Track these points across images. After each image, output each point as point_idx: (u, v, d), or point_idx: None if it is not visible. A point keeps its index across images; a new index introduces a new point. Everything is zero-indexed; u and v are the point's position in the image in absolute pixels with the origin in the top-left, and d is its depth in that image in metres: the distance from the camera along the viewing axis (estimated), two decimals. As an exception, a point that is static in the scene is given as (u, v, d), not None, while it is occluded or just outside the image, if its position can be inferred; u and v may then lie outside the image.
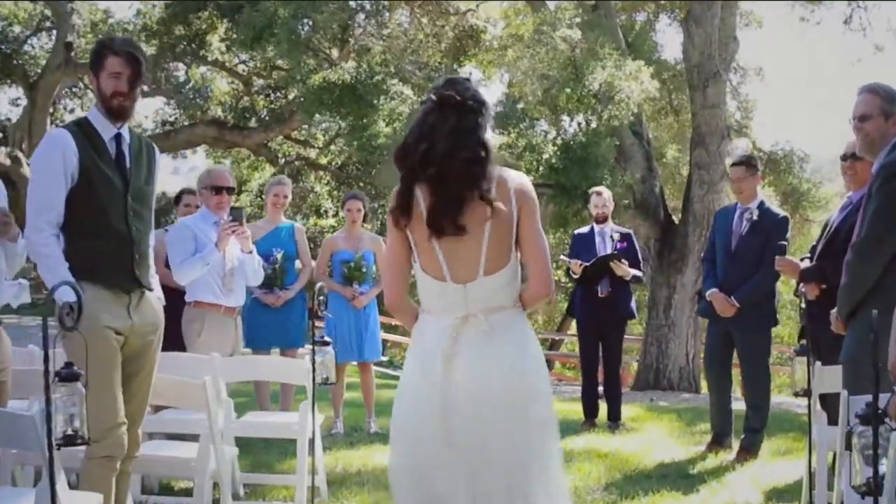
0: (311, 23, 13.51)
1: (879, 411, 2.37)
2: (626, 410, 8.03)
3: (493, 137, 2.85)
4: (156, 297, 3.76)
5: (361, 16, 15.27)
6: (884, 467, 2.43)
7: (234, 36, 15.15)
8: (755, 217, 6.01)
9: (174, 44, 17.98)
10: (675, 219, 13.23)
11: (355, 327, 6.84)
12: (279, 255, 6.61)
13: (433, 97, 2.76)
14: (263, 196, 8.93)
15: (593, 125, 12.48)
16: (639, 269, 7.36)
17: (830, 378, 4.19)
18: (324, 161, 21.44)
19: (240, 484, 4.95)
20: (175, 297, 5.56)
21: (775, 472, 5.59)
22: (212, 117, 19.86)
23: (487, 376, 2.72)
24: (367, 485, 5.20)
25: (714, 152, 12.46)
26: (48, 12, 20.52)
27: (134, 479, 4.68)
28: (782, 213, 6.42)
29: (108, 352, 3.47)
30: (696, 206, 12.51)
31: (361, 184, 17.94)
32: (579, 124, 13.55)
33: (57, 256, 3.47)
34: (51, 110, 21.49)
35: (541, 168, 12.55)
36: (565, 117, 13.49)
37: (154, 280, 3.78)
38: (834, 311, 4.03)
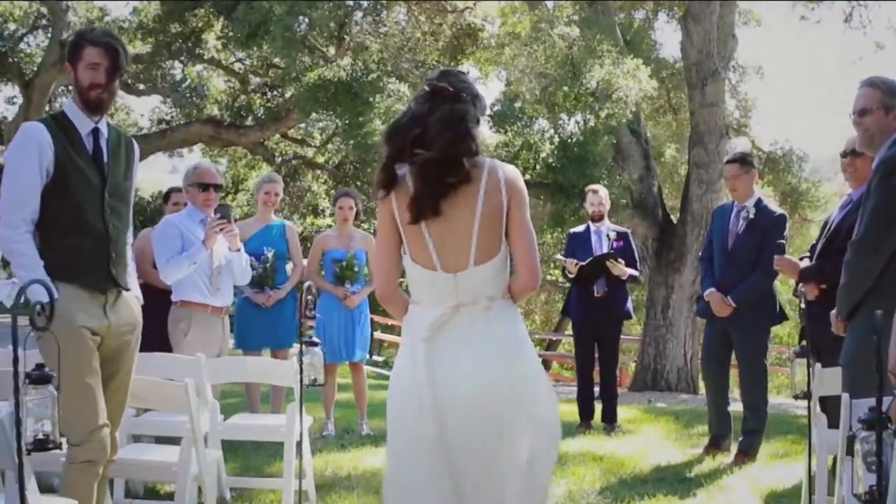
0: (307, 20, 13.42)
1: (883, 415, 2.27)
2: (623, 412, 7.95)
3: (485, 130, 2.81)
4: (133, 297, 3.65)
5: (358, 13, 15.17)
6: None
7: (230, 33, 15.04)
8: (751, 215, 5.91)
9: (170, 42, 17.86)
10: (674, 218, 13.16)
11: (347, 327, 6.73)
12: (270, 254, 6.50)
13: (426, 87, 2.79)
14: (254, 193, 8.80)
15: (591, 124, 12.39)
16: (635, 268, 7.25)
17: (830, 380, 4.11)
18: (321, 160, 21.34)
19: (226, 487, 4.85)
20: (161, 297, 5.47)
21: (774, 476, 5.52)
22: (208, 116, 19.72)
23: (484, 369, 2.69)
24: (356, 489, 5.10)
25: (713, 151, 12.38)
26: (44, 10, 20.39)
27: (117, 483, 4.59)
28: (779, 210, 6.31)
29: (84, 352, 3.36)
30: (694, 205, 12.43)
31: (358, 182, 17.83)
32: (577, 123, 13.44)
33: (32, 254, 3.36)
34: (47, 108, 21.37)
35: (538, 167, 12.49)
36: (563, 116, 13.38)
37: (132, 279, 3.66)
38: (834, 311, 3.94)
